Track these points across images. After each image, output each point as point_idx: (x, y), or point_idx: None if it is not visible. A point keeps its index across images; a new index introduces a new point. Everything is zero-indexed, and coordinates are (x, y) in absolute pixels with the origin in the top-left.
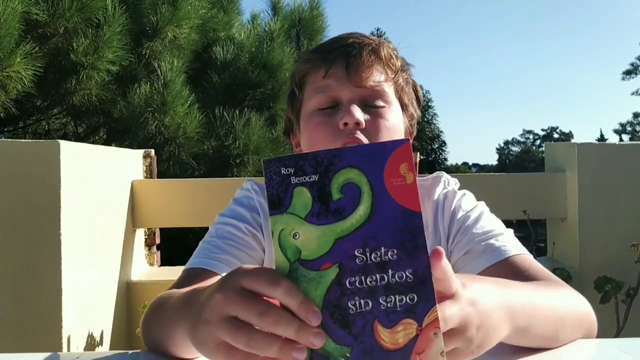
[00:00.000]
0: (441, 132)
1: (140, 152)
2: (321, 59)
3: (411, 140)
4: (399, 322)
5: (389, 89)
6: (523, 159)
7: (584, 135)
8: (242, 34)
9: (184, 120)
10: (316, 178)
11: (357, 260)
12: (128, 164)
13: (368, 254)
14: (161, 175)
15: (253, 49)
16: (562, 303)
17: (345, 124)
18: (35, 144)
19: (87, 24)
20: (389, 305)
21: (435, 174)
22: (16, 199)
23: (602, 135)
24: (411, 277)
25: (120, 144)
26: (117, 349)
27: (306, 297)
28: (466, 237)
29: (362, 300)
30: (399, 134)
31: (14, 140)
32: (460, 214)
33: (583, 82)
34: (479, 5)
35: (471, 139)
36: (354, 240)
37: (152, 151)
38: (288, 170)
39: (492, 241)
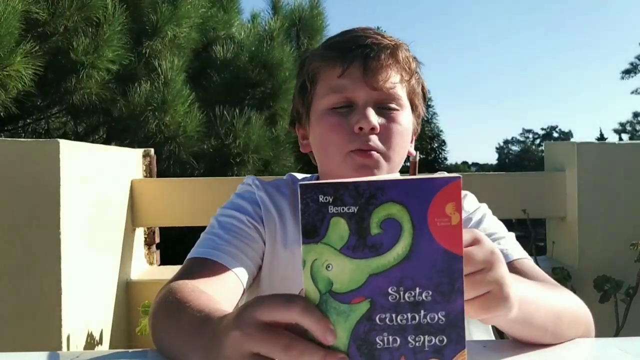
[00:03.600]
0: (441, 131)
1: (140, 151)
2: (338, 58)
3: (415, 138)
4: None
5: (402, 92)
6: (523, 158)
7: (583, 134)
8: (242, 33)
9: (184, 119)
10: (355, 210)
11: (389, 298)
12: (128, 163)
13: (402, 293)
14: (161, 174)
15: (253, 48)
16: (561, 301)
17: (361, 128)
18: (35, 143)
19: (87, 23)
20: (417, 344)
21: (436, 174)
22: (16, 198)
23: (601, 135)
24: (443, 319)
25: (120, 143)
26: (116, 348)
27: (323, 315)
28: None
29: (390, 337)
30: (409, 137)
31: (14, 139)
32: (463, 214)
33: (583, 81)
34: (478, 4)
35: (471, 138)
36: (389, 278)
37: (152, 150)
38: (326, 199)
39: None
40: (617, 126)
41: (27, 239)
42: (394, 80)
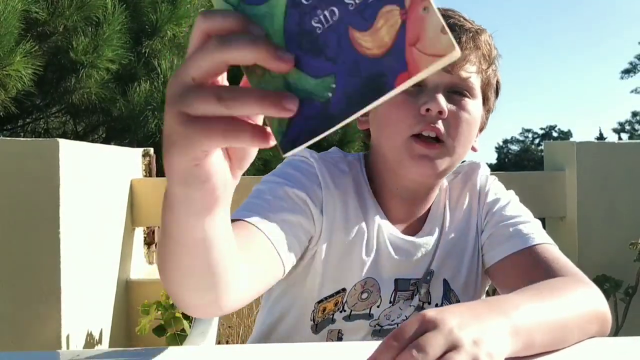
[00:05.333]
0: None
1: (139, 151)
2: None
3: (480, 134)
4: (376, 16)
5: (476, 81)
6: (522, 157)
7: (583, 134)
8: None
9: None
10: None
11: None
12: (127, 162)
13: None
14: (161, 174)
15: None
16: (565, 308)
17: (428, 109)
18: (34, 142)
19: (87, 23)
20: (357, 1)
21: (469, 161)
22: (15, 197)
23: (601, 134)
24: None
25: (120, 143)
26: (116, 347)
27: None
28: (495, 218)
29: (326, 12)
30: (476, 129)
31: (13, 139)
32: (490, 197)
33: (582, 81)
34: (478, 4)
35: None
36: None
37: (152, 150)
38: None
39: (520, 227)
40: (616, 125)
41: (27, 238)
42: (471, 67)
